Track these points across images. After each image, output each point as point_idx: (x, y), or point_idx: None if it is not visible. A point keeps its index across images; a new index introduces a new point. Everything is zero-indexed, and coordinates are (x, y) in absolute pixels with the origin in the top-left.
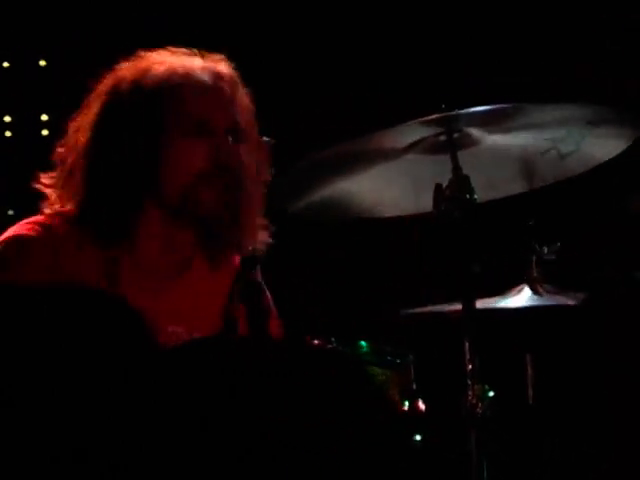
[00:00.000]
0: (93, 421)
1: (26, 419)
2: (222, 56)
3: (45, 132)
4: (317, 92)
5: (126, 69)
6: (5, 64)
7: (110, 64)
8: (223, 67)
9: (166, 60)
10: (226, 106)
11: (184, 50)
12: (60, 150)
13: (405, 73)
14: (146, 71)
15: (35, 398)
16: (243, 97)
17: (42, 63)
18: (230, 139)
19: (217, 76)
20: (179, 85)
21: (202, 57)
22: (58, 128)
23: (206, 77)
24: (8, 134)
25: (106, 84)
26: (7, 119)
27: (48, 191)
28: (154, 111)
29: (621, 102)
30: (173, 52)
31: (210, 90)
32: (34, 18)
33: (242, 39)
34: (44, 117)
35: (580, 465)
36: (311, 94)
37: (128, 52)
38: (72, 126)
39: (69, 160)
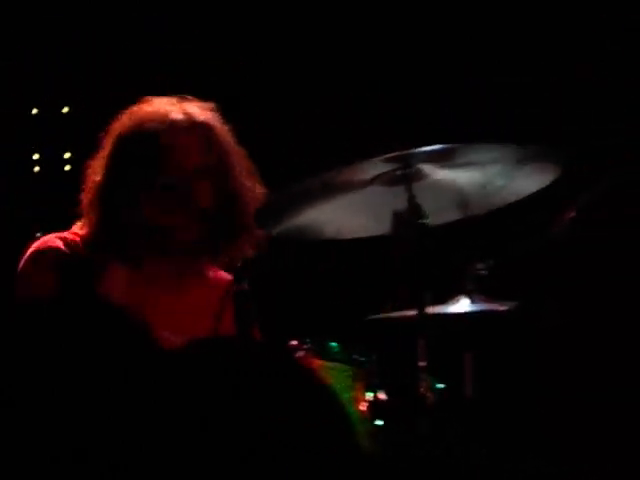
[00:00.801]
0: (102, 416)
1: (44, 418)
2: (201, 102)
3: (67, 167)
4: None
5: (125, 120)
6: (34, 110)
7: (119, 110)
8: (200, 114)
9: (152, 112)
10: (196, 149)
11: (169, 99)
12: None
13: (371, 110)
14: (137, 123)
15: (49, 399)
16: (218, 134)
17: (65, 109)
18: (199, 178)
19: (189, 119)
20: (158, 136)
21: (185, 103)
22: (79, 164)
23: (182, 126)
24: (37, 169)
25: (112, 133)
26: (36, 156)
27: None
28: (143, 157)
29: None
30: (161, 102)
31: (180, 136)
32: (59, 73)
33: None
34: (67, 155)
35: (510, 449)
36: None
37: (136, 98)
38: (89, 167)
39: (88, 195)
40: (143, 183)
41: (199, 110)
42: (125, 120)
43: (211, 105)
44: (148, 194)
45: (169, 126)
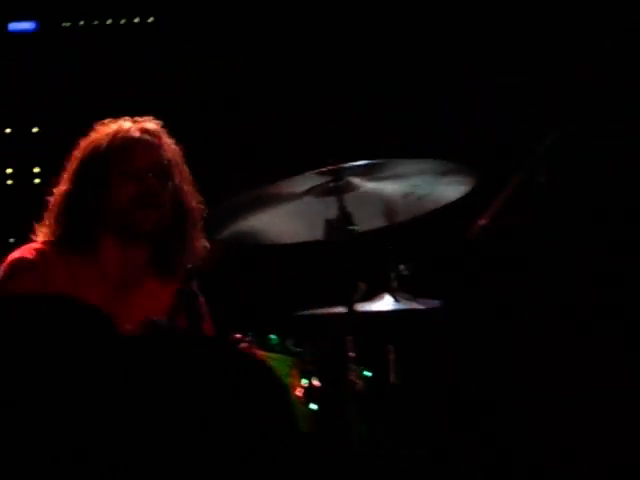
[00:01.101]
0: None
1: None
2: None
3: (37, 180)
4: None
5: (90, 138)
6: (7, 130)
7: (82, 130)
8: (150, 124)
9: (110, 129)
10: (150, 153)
11: (125, 118)
12: (50, 197)
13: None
14: (98, 139)
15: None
16: (167, 145)
17: (35, 129)
18: (154, 176)
19: (143, 131)
20: (116, 145)
21: (135, 120)
22: (46, 177)
23: (135, 134)
24: (10, 182)
25: (78, 150)
26: (9, 171)
27: (41, 226)
28: (103, 167)
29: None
30: (116, 121)
31: (137, 143)
32: (29, 96)
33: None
34: (36, 169)
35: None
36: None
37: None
38: (59, 180)
39: (54, 203)
40: (105, 182)
41: (148, 122)
42: (89, 137)
43: (157, 121)
44: (110, 192)
45: (125, 132)
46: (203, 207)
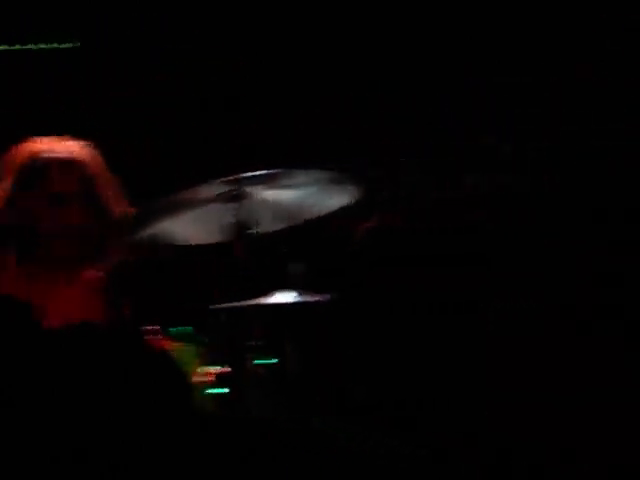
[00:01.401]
0: None
1: None
2: (79, 141)
3: None
4: None
5: (20, 153)
6: None
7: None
8: (75, 151)
9: (40, 150)
10: (74, 179)
11: (54, 138)
12: None
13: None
14: (29, 158)
15: None
16: (93, 167)
17: None
18: (78, 202)
19: (69, 160)
20: (40, 168)
21: (65, 142)
22: None
23: (61, 159)
24: None
25: (11, 162)
26: None
27: None
28: (27, 184)
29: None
30: (47, 141)
31: (61, 169)
32: None
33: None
34: None
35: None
36: None
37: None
38: None
39: None
40: (31, 205)
41: (76, 148)
42: (20, 153)
43: (86, 143)
44: (34, 214)
45: (52, 161)
46: (129, 210)
